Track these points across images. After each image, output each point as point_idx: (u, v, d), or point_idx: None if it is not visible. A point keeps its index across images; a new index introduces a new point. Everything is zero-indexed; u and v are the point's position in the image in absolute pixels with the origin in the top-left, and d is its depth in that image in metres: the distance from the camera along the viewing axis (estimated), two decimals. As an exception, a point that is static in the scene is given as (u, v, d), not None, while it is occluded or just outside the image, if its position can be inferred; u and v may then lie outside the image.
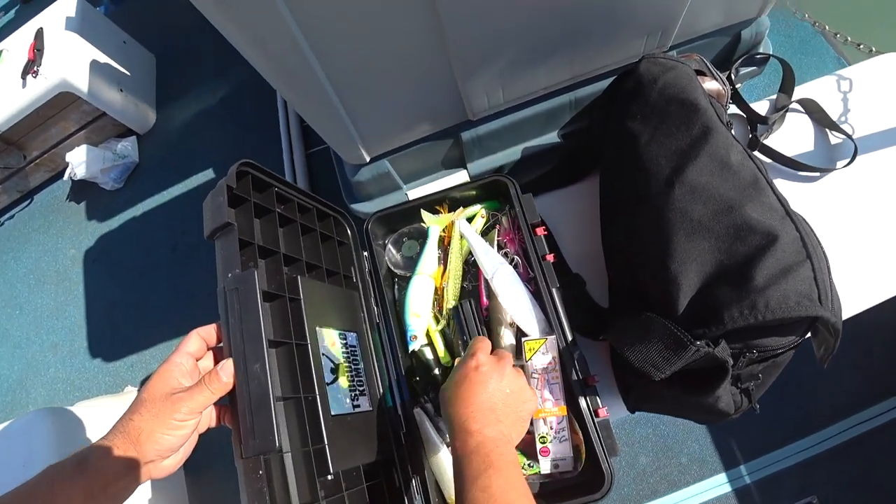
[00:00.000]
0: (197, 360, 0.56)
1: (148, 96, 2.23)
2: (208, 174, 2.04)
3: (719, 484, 1.31)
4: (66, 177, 2.08)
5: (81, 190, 2.23)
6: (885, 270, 0.85)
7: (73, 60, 1.94)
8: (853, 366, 1.34)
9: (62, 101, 1.99)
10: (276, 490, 0.55)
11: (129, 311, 1.95)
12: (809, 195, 0.91)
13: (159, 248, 2.00)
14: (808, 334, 0.64)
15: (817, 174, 0.94)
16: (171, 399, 0.51)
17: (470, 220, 0.83)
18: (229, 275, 0.58)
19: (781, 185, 0.93)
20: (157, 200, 2.08)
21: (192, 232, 1.97)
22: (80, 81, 1.94)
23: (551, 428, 0.72)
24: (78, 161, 2.04)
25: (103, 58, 2.04)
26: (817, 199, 0.90)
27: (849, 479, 1.29)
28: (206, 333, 0.58)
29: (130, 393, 1.77)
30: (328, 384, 0.65)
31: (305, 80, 0.74)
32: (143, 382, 1.80)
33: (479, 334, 0.75)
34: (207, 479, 1.60)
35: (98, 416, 1.49)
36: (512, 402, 0.61)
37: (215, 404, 0.56)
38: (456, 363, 0.67)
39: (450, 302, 0.79)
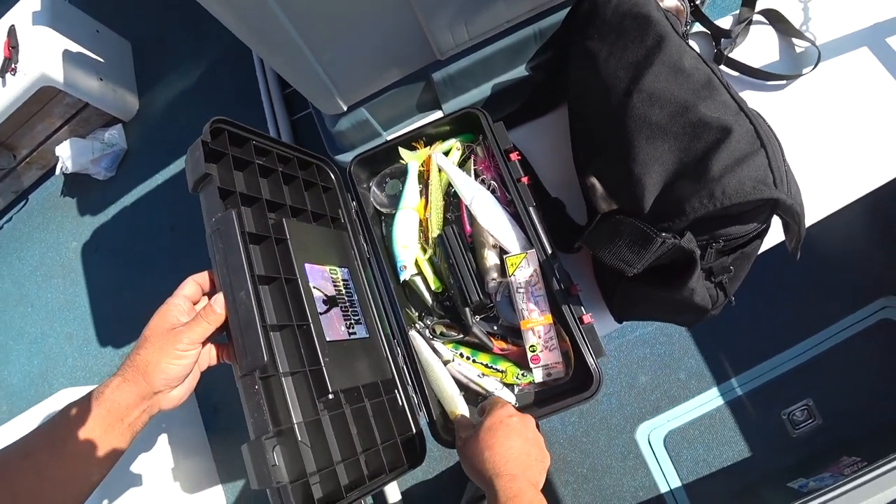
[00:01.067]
0: (194, 304, 0.61)
1: (128, 82, 2.24)
2: (197, 153, 2.05)
3: (718, 395, 1.37)
4: (57, 172, 2.11)
5: (75, 183, 2.26)
6: (854, 171, 0.88)
7: (49, 54, 1.94)
8: (836, 271, 1.38)
9: (44, 96, 2.00)
10: (277, 408, 0.60)
11: (136, 293, 2.01)
12: (778, 104, 0.93)
13: (158, 229, 2.04)
14: (777, 224, 0.68)
15: (783, 82, 0.96)
16: (173, 332, 0.56)
17: (446, 153, 0.86)
18: (213, 219, 0.62)
19: (749, 96, 0.95)
20: (151, 184, 2.11)
21: (188, 210, 2.00)
22: (59, 74, 1.94)
23: (539, 337, 0.76)
24: (67, 154, 2.06)
25: (79, 48, 2.04)
26: (785, 107, 0.93)
27: (840, 381, 1.34)
28: (200, 279, 0.63)
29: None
30: (321, 314, 0.70)
31: (274, 34, 0.76)
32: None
33: (464, 260, 0.79)
34: (234, 452, 1.68)
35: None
36: (537, 449, 0.63)
37: (214, 343, 0.61)
38: (457, 424, 0.71)
39: (434, 231, 0.82)
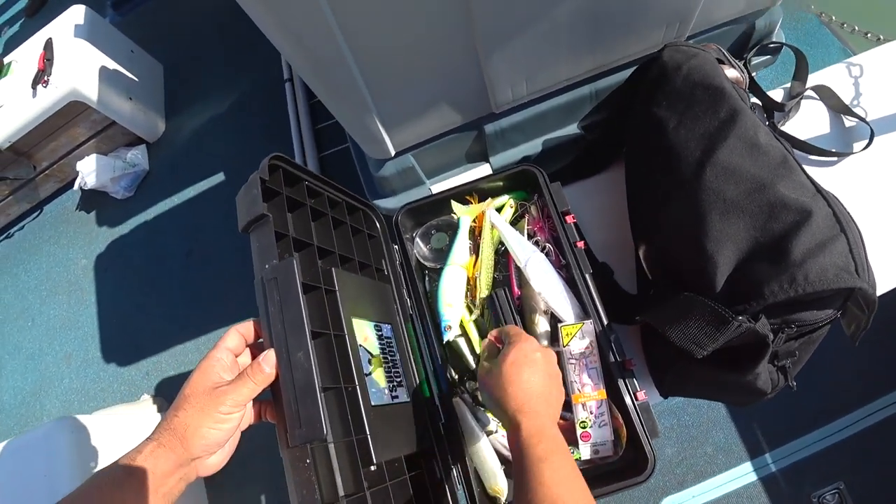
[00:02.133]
0: (236, 357, 0.56)
1: (157, 105, 2.24)
2: (220, 179, 2.04)
3: (745, 473, 1.31)
4: (76, 186, 2.09)
5: (92, 199, 2.23)
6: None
7: (83, 69, 1.95)
8: (872, 349, 1.35)
9: (72, 111, 1.99)
10: (322, 480, 0.55)
11: (142, 319, 1.95)
12: (829, 180, 0.92)
13: (172, 255, 2.00)
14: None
15: (835, 159, 0.95)
16: (215, 393, 0.51)
17: (499, 210, 0.84)
18: (266, 266, 0.58)
19: (801, 170, 0.94)
20: (168, 208, 2.08)
21: (205, 238, 1.97)
22: (91, 90, 1.94)
23: (591, 413, 0.72)
24: (88, 170, 2.04)
25: (112, 66, 2.05)
26: (837, 183, 0.91)
27: (874, 464, 1.28)
28: (245, 329, 0.58)
29: (146, 401, 1.77)
30: (366, 375, 0.66)
31: (337, 72, 0.74)
32: (159, 390, 1.81)
33: (514, 323, 0.75)
34: (227, 486, 1.60)
35: (116, 425, 1.49)
36: (557, 386, 0.63)
37: (255, 400, 0.55)
38: (483, 348, 0.68)
39: (483, 291, 0.79)
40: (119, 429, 1.49)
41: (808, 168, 0.92)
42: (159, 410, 1.73)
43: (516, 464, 0.55)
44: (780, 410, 1.34)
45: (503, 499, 0.73)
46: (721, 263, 0.65)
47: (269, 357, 0.54)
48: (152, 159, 2.21)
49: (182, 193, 2.08)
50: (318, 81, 0.75)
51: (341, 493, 0.56)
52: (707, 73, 0.77)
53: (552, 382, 0.62)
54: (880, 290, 0.86)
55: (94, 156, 2.08)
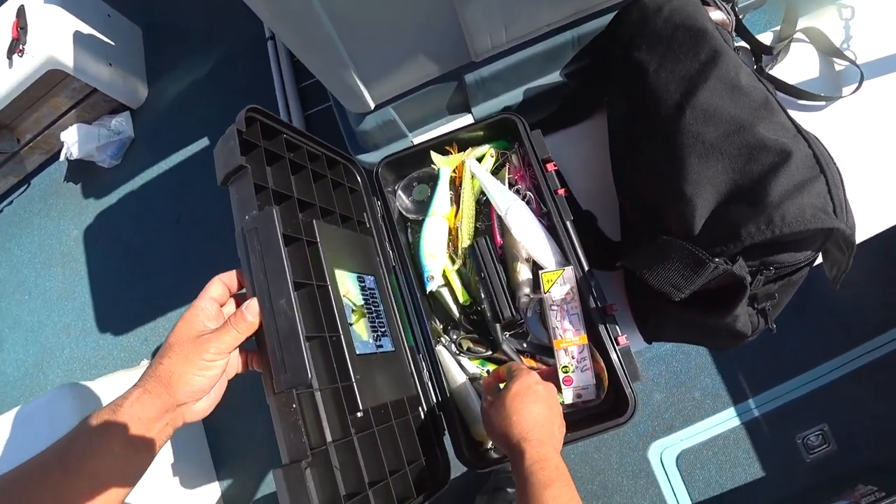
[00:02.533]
0: (221, 306, 0.56)
1: (137, 69, 2.19)
2: (205, 144, 2.01)
3: (732, 416, 1.34)
4: (62, 157, 2.05)
5: (79, 170, 2.21)
6: (889, 197, 0.85)
7: (59, 36, 1.89)
8: (854, 297, 1.36)
9: (51, 80, 1.94)
10: (308, 426, 0.57)
11: (137, 286, 1.96)
12: (818, 124, 0.91)
13: (162, 221, 1.99)
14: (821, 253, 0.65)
15: (824, 103, 0.93)
16: (199, 341, 0.51)
17: (479, 160, 0.83)
18: (247, 216, 0.58)
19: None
20: (156, 174, 2.05)
21: (194, 202, 1.96)
22: (68, 57, 1.89)
23: (573, 357, 0.73)
24: (72, 140, 2.01)
25: (89, 32, 1.98)
26: (826, 127, 0.90)
27: (857, 407, 1.31)
28: (228, 279, 0.58)
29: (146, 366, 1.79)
30: (350, 325, 0.66)
31: (310, 25, 0.72)
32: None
33: (496, 273, 0.76)
34: (237, 467, 1.64)
35: (118, 390, 1.51)
36: (559, 417, 0.65)
37: (241, 349, 0.56)
38: (485, 386, 0.70)
39: (465, 241, 0.79)
40: (121, 392, 1.51)
41: (796, 112, 0.93)
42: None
43: (519, 490, 0.57)
44: (765, 356, 1.36)
45: (488, 443, 0.75)
46: (699, 206, 0.65)
47: (251, 306, 0.54)
48: (137, 126, 2.17)
49: (169, 159, 2.05)
50: (290, 35, 0.74)
51: (329, 438, 0.57)
52: (689, 14, 0.75)
53: (554, 413, 0.64)
54: (867, 233, 0.87)
55: (77, 125, 2.04)
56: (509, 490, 1.30)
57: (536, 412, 0.61)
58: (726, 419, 1.35)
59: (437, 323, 0.81)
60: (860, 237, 0.85)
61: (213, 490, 1.62)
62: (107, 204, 2.12)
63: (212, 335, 0.52)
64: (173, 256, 1.95)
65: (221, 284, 0.57)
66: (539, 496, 0.54)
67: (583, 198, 0.89)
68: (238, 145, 0.60)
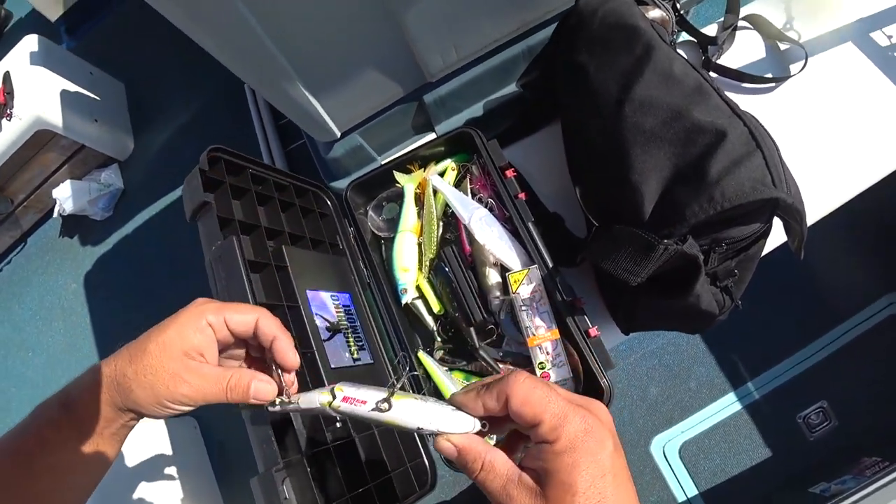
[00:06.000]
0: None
1: (123, 123, 2.26)
2: (193, 188, 2.05)
3: (731, 403, 1.35)
4: (55, 214, 2.11)
5: (72, 224, 2.26)
6: (850, 168, 0.88)
7: (44, 97, 1.96)
8: (839, 270, 1.38)
9: (40, 140, 2.01)
10: (286, 439, 0.59)
11: (137, 333, 1.98)
12: (770, 106, 0.94)
13: (158, 265, 2.04)
14: (778, 226, 0.67)
15: (772, 85, 0.96)
16: (182, 367, 0.47)
17: (442, 174, 0.86)
18: (213, 247, 0.62)
19: (741, 101, 0.95)
20: (148, 222, 2.11)
21: (187, 244, 1.99)
22: (55, 117, 1.96)
23: (548, 354, 0.75)
24: (64, 196, 2.07)
25: (74, 90, 2.06)
26: (777, 109, 0.93)
27: (852, 380, 1.32)
28: (265, 325, 0.52)
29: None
30: (325, 341, 0.69)
31: (264, 63, 0.77)
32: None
33: (465, 279, 0.78)
34: (243, 488, 1.64)
35: (131, 438, 1.53)
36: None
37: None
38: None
39: (428, 253, 0.82)
40: (129, 441, 1.53)
41: (747, 96, 0.96)
42: (163, 417, 1.78)
43: None
44: (757, 340, 1.37)
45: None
46: (647, 193, 0.67)
47: (260, 393, 0.48)
48: (126, 177, 2.23)
49: (159, 205, 2.11)
50: (248, 74, 0.78)
51: (303, 448, 0.60)
52: (622, 13, 0.79)
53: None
54: (828, 206, 0.89)
55: (68, 181, 2.10)
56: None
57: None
58: (725, 406, 1.35)
59: (417, 338, 0.83)
60: (823, 211, 0.88)
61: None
62: (103, 255, 2.17)
63: (200, 378, 0.46)
64: (170, 302, 1.95)
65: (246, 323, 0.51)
66: None
67: (550, 201, 0.92)
68: (201, 184, 0.64)
